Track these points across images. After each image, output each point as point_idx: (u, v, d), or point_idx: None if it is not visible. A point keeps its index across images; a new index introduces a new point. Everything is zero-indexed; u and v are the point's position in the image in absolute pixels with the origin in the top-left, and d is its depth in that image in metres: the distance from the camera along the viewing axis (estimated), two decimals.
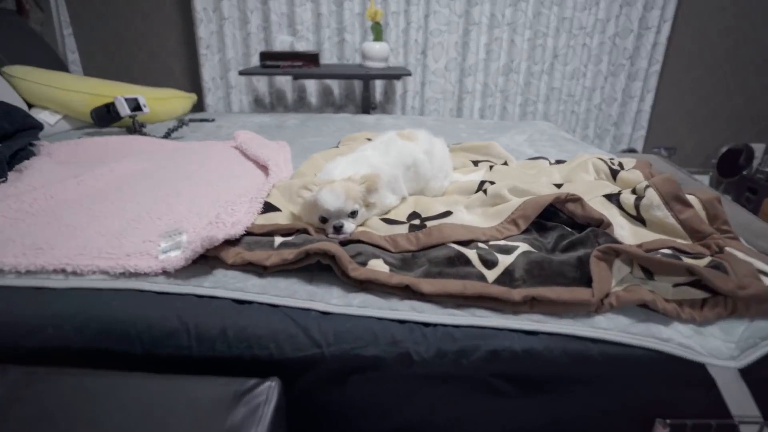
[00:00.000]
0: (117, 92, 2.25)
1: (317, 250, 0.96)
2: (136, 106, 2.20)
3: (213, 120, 2.54)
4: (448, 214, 1.18)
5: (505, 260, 0.99)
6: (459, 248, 1.04)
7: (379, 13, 2.73)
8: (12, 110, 1.80)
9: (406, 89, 3.21)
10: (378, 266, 0.98)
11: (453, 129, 2.43)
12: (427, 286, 0.92)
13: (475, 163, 1.65)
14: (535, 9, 2.99)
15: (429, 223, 1.13)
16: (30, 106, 2.25)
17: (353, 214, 1.11)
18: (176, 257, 1.00)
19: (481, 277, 0.96)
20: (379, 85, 3.22)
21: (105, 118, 2.20)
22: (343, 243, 1.08)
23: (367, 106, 2.90)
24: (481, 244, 1.07)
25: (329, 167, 1.23)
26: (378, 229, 1.14)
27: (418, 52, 3.12)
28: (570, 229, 1.14)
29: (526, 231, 1.14)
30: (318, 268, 1.01)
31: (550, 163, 1.66)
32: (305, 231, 1.11)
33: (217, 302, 0.93)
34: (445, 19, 3.02)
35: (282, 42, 2.87)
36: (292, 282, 0.98)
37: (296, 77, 2.88)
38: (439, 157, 1.39)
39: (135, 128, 2.23)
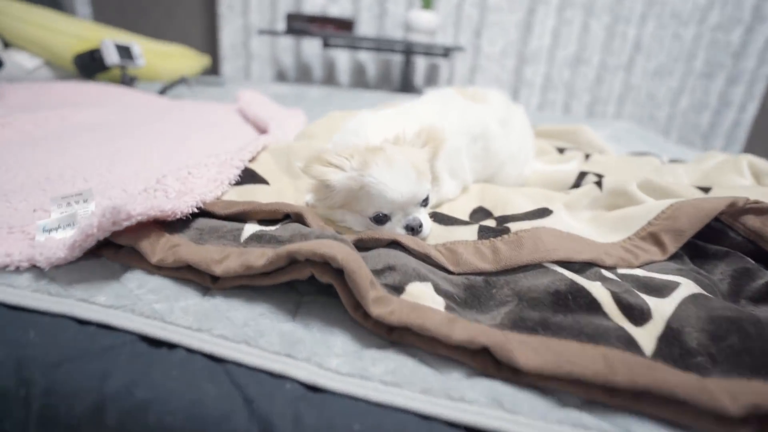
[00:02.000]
0: (110, 38, 1.85)
1: (309, 253, 0.50)
2: (127, 55, 1.80)
3: (219, 84, 2.12)
4: (544, 213, 0.69)
5: (660, 308, 0.52)
6: (571, 276, 0.56)
7: None
8: None
9: (453, 74, 2.74)
10: (424, 296, 0.52)
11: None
12: (528, 352, 0.45)
13: (561, 150, 1.17)
14: None
15: (514, 226, 0.65)
16: (6, 45, 1.88)
17: (425, 200, 0.67)
18: (60, 242, 0.55)
19: (628, 342, 0.48)
20: (421, 66, 2.76)
21: (89, 66, 1.81)
22: (359, 245, 0.62)
23: (406, 86, 2.44)
24: (605, 272, 0.59)
25: (353, 126, 0.77)
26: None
27: (471, 32, 2.65)
28: (751, 260, 0.65)
29: (674, 256, 0.66)
30: (311, 288, 0.55)
31: (662, 162, 1.16)
32: (299, 217, 0.65)
33: (111, 337, 0.48)
34: None
35: (313, 4, 2.45)
36: (258, 312, 0.52)
37: (326, 44, 2.44)
38: (519, 132, 0.91)
39: (124, 81, 1.83)
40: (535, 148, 1.01)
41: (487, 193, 0.82)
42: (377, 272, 0.56)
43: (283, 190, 0.78)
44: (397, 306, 0.49)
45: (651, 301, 0.54)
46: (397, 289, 0.54)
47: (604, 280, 0.58)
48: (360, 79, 2.83)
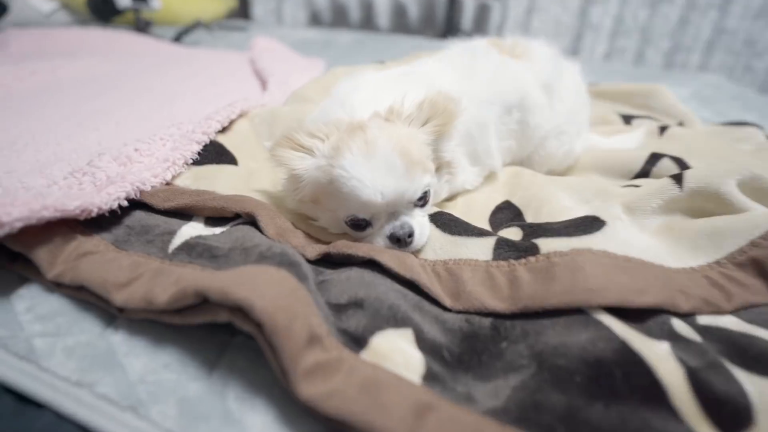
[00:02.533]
0: None
1: (220, 294, 0.34)
2: None
3: (243, 29, 1.94)
4: (593, 226, 0.49)
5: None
6: (623, 333, 0.37)
7: None
8: None
9: (505, 16, 2.39)
10: (394, 356, 0.37)
11: None
12: None
13: (626, 119, 0.92)
14: None
15: (547, 243, 0.46)
16: None
17: (423, 198, 0.49)
18: None
19: None
20: (469, 7, 2.43)
21: (101, 10, 1.68)
22: (327, 260, 0.47)
23: (451, 30, 2.15)
24: (678, 324, 0.40)
25: (342, 91, 0.58)
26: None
27: None
28: None
29: None
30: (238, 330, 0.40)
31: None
32: (252, 218, 0.49)
33: None
34: None
35: None
36: (164, 360, 0.38)
37: None
38: (570, 100, 0.69)
39: (139, 26, 1.70)
40: (589, 118, 0.77)
41: (520, 182, 0.62)
42: (339, 308, 0.40)
43: (256, 172, 0.62)
44: (343, 382, 0.33)
45: (752, 385, 0.35)
46: (358, 341, 0.38)
47: (675, 339, 0.39)
48: (400, 22, 2.54)
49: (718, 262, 0.47)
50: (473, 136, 0.59)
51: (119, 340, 0.39)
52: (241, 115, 0.71)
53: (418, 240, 0.48)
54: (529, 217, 0.56)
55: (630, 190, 0.59)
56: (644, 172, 0.67)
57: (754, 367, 0.37)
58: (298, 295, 0.36)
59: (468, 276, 0.45)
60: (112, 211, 0.49)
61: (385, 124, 0.48)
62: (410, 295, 0.43)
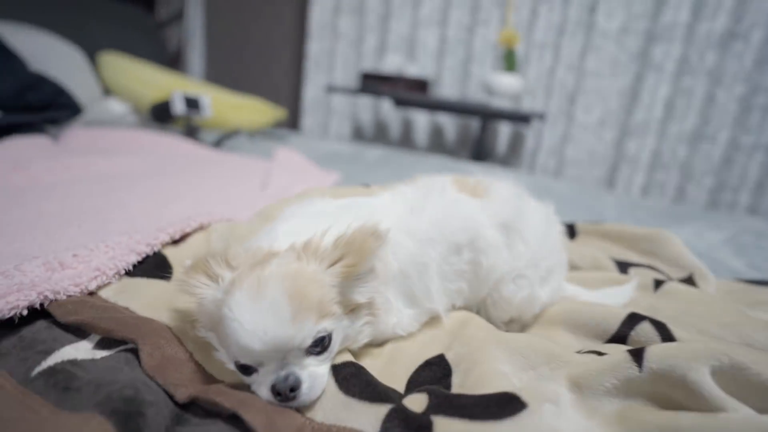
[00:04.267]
0: (197, 92, 1.94)
1: None
2: (194, 106, 1.86)
3: (282, 138, 2.10)
4: (510, 407, 0.40)
5: None
6: None
7: (514, 39, 2.07)
8: (43, 83, 1.54)
9: (540, 143, 2.44)
10: None
11: (594, 203, 1.60)
12: None
13: (623, 267, 0.83)
14: (763, 52, 2.01)
15: (446, 425, 0.38)
16: (107, 93, 2.07)
17: (320, 344, 0.44)
18: None
19: None
20: (504, 132, 2.51)
21: (161, 115, 1.90)
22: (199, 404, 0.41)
23: (481, 154, 2.21)
24: None
25: (278, 222, 0.57)
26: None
27: (564, 98, 2.35)
28: None
29: None
30: None
31: None
32: (136, 345, 0.46)
33: None
34: (611, 58, 2.22)
35: (390, 64, 2.38)
36: None
37: (398, 102, 2.33)
38: (534, 242, 0.63)
39: (188, 132, 1.88)
40: (565, 261, 0.70)
41: (463, 334, 0.55)
42: None
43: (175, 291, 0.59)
44: None
45: None
46: None
47: None
48: (437, 142, 2.66)
49: None
50: (409, 276, 0.54)
51: None
52: (201, 228, 0.72)
53: (305, 395, 0.42)
54: (457, 379, 0.48)
55: (588, 359, 0.50)
56: (620, 336, 0.57)
57: None
58: None
59: None
60: (10, 319, 0.48)
61: (289, 262, 0.45)
62: None
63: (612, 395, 0.45)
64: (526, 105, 2.38)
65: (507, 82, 2.06)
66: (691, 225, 1.41)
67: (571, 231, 0.99)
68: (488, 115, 2.10)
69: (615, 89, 2.25)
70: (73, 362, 0.43)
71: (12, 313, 0.47)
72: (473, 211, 0.59)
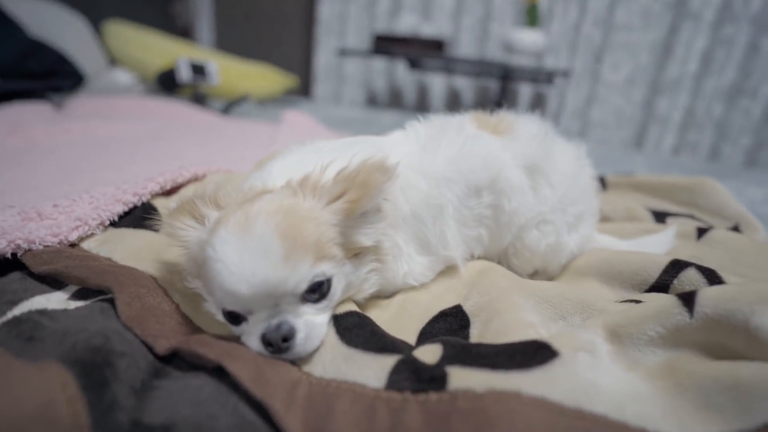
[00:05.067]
0: (204, 59, 1.88)
1: None
2: (201, 74, 1.80)
3: (294, 104, 2.03)
4: (539, 356, 0.34)
5: None
6: None
7: None
8: (44, 50, 1.50)
9: (563, 105, 2.31)
10: None
11: (623, 162, 1.50)
12: None
13: (660, 217, 0.75)
14: None
15: (462, 376, 0.32)
16: (113, 62, 2.03)
17: (317, 290, 0.38)
18: None
19: None
20: (525, 94, 2.39)
21: (167, 83, 1.85)
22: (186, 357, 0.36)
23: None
24: None
25: (275, 159, 0.51)
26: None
27: (590, 55, 2.21)
28: None
29: None
30: None
31: None
32: (112, 293, 0.41)
33: None
34: (643, 9, 2.06)
35: (405, 24, 2.26)
36: None
37: (413, 65, 2.23)
38: (563, 185, 0.56)
39: (196, 98, 1.83)
40: (597, 209, 0.63)
41: (482, 282, 0.49)
42: (148, 430, 0.29)
43: (164, 242, 0.54)
44: None
45: None
46: None
47: None
48: (454, 106, 2.54)
49: None
50: (422, 219, 0.48)
51: None
52: (196, 179, 0.66)
53: (300, 346, 0.37)
54: (475, 330, 0.42)
55: (626, 307, 0.43)
56: (661, 285, 0.50)
57: None
58: (55, 414, 0.26)
59: (344, 408, 0.32)
60: None
61: (282, 197, 0.39)
62: (257, 425, 0.31)
63: (656, 345, 0.38)
64: (549, 63, 2.25)
65: (529, 38, 1.93)
66: (730, 182, 1.30)
67: (601, 183, 0.90)
68: (508, 75, 1.98)
69: (646, 43, 2.09)
70: (42, 312, 0.38)
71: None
72: (495, 150, 0.52)
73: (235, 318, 0.39)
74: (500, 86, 2.09)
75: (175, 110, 1.56)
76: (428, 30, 2.25)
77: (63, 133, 1.11)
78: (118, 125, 1.24)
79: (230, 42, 2.96)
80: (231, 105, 1.80)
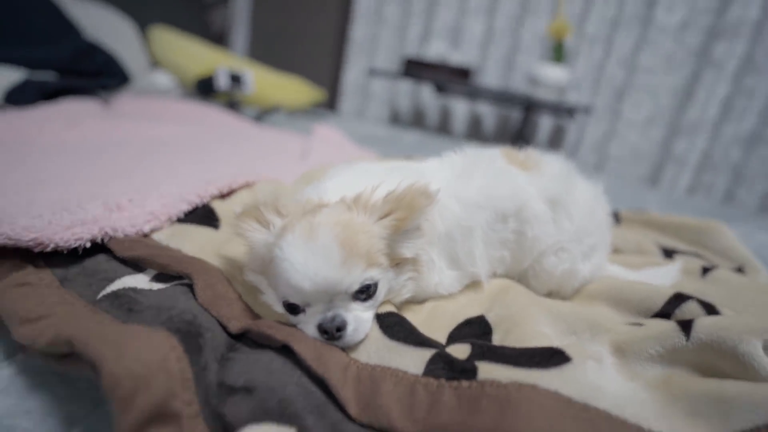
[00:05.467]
0: (241, 69, 1.99)
1: (83, 349, 0.32)
2: (237, 82, 1.90)
3: (322, 116, 2.12)
4: (553, 359, 0.41)
5: None
6: None
7: (565, 30, 2.01)
8: (96, 51, 1.61)
9: (582, 138, 2.38)
10: None
11: (639, 198, 1.56)
12: None
13: (668, 253, 0.81)
14: None
15: (489, 369, 0.39)
16: (155, 65, 2.15)
17: (366, 291, 0.45)
18: None
19: None
20: (545, 125, 2.46)
21: (204, 89, 1.95)
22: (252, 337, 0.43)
23: (518, 144, 2.16)
24: None
25: (330, 173, 0.58)
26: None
27: (612, 94, 2.28)
28: None
29: None
30: None
31: None
32: (190, 279, 0.48)
33: None
34: (667, 54, 2.13)
35: (434, 51, 2.36)
36: (28, 407, 0.36)
37: (439, 90, 2.32)
38: (581, 217, 0.62)
39: (230, 105, 1.93)
40: (610, 245, 0.69)
41: (504, 298, 0.55)
42: (230, 391, 0.36)
43: (233, 240, 0.62)
44: None
45: None
46: (227, 430, 0.33)
47: None
48: (476, 131, 2.63)
49: None
50: (454, 239, 0.55)
51: (4, 375, 0.38)
52: (246, 185, 0.74)
53: (350, 336, 0.43)
54: (497, 338, 0.48)
55: (631, 328, 0.49)
56: (664, 313, 0.56)
57: None
58: (169, 366, 0.33)
59: (388, 388, 0.38)
60: (75, 250, 0.51)
61: (340, 211, 0.46)
62: (316, 394, 0.38)
63: (655, 362, 0.44)
64: (572, 98, 2.33)
65: (553, 73, 2.01)
66: (741, 226, 1.34)
67: (615, 218, 0.96)
68: (531, 106, 2.06)
69: (668, 86, 2.16)
70: (134, 290, 0.46)
71: (77, 243, 0.50)
72: (522, 182, 0.59)
73: (293, 309, 0.45)
74: (522, 117, 2.16)
75: (213, 115, 1.65)
76: (456, 57, 2.35)
77: (114, 130, 1.20)
78: (163, 127, 1.33)
79: (263, 52, 3.09)
80: (264, 114, 1.89)
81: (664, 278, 0.66)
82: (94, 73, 1.60)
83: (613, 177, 2.22)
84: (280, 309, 0.48)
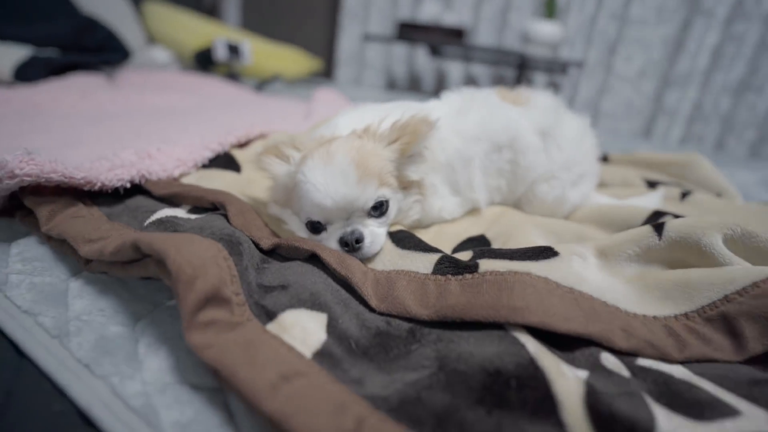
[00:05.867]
0: (224, 37, 2.01)
1: (147, 246, 0.39)
2: (236, 53, 1.92)
3: (319, 84, 2.15)
4: (543, 254, 0.47)
5: None
6: (534, 352, 0.36)
7: None
8: (96, 26, 1.63)
9: (575, 94, 2.41)
10: (294, 330, 0.39)
11: (630, 148, 1.61)
12: None
13: (652, 185, 0.88)
14: None
15: (488, 264, 0.45)
16: (150, 40, 2.16)
17: (379, 209, 0.52)
18: None
19: None
20: (540, 83, 2.48)
21: (203, 61, 1.98)
22: (279, 252, 0.50)
23: None
24: (611, 360, 0.37)
25: (337, 117, 0.64)
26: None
27: (604, 48, 2.30)
28: None
29: (755, 362, 0.40)
30: None
31: None
32: (223, 208, 0.54)
33: None
34: (657, 5, 2.14)
35: (427, 13, 2.36)
36: (101, 305, 0.43)
37: (434, 52, 2.33)
38: (569, 148, 0.68)
39: (230, 76, 1.96)
40: (598, 172, 0.75)
41: (501, 219, 0.62)
42: (267, 289, 0.43)
43: (254, 182, 0.68)
44: (228, 338, 0.34)
45: (668, 421, 0.31)
46: (270, 314, 0.39)
47: (596, 370, 0.36)
48: None
49: (686, 315, 0.43)
50: (455, 168, 0.61)
51: (75, 286, 0.44)
52: (261, 136, 0.80)
53: (368, 247, 0.50)
54: (493, 243, 0.55)
55: (611, 236, 0.56)
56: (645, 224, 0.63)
57: (680, 409, 0.33)
58: (219, 262, 0.39)
59: (402, 284, 0.45)
60: (116, 191, 0.57)
61: (353, 140, 0.52)
62: (342, 291, 0.45)
63: (633, 261, 0.51)
64: (564, 54, 2.35)
65: (546, 29, 2.03)
66: (728, 167, 1.41)
67: (604, 159, 1.02)
68: (525, 64, 2.08)
69: (659, 38, 2.18)
70: (175, 217, 0.52)
71: (119, 183, 0.57)
72: (515, 116, 0.65)
73: (316, 228, 0.52)
74: (516, 75, 2.19)
75: (215, 85, 1.69)
76: (449, 18, 2.35)
77: (124, 99, 1.24)
78: (169, 96, 1.37)
79: (256, 22, 3.07)
80: (264, 83, 1.92)
81: (647, 203, 0.73)
82: (96, 49, 1.63)
83: (606, 132, 2.27)
84: (303, 233, 0.55)
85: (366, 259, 0.50)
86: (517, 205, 0.69)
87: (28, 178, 0.48)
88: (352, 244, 0.49)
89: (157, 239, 0.38)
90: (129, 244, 0.40)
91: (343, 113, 0.63)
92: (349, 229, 0.50)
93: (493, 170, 0.64)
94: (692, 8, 2.10)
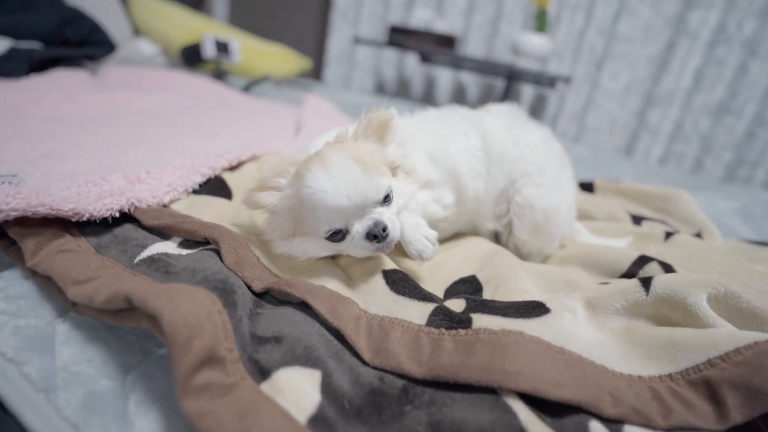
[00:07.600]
0: (213, 33, 1.96)
1: (140, 302, 0.38)
2: (224, 51, 1.88)
3: (307, 87, 2.13)
4: (535, 311, 0.48)
5: None
6: (525, 422, 0.36)
7: None
8: (80, 19, 1.57)
9: (561, 107, 2.44)
10: (289, 392, 0.38)
11: (612, 167, 1.64)
12: None
13: (637, 220, 0.90)
14: None
15: (482, 319, 0.46)
16: (136, 33, 2.10)
17: (387, 198, 0.54)
18: None
19: None
20: (527, 94, 2.51)
21: (191, 58, 1.93)
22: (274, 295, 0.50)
23: None
24: (596, 426, 0.38)
25: (311, 143, 0.65)
26: (361, 289, 0.52)
27: (591, 63, 2.33)
28: None
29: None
30: None
31: None
32: (216, 244, 0.54)
33: None
34: (644, 24, 2.18)
35: (419, 18, 2.36)
36: (89, 354, 0.41)
37: (424, 59, 2.33)
38: (536, 147, 0.73)
39: (217, 74, 1.92)
40: (574, 198, 0.77)
41: (493, 260, 0.62)
42: (261, 341, 0.42)
43: (245, 209, 0.67)
44: (224, 406, 0.34)
45: None
46: (264, 372, 0.39)
47: None
48: (460, 99, 2.66)
49: (670, 376, 0.45)
50: (426, 142, 0.65)
51: (63, 330, 0.43)
52: (253, 158, 0.78)
53: (393, 233, 0.51)
54: (487, 294, 0.56)
55: (600, 286, 0.57)
56: (630, 274, 0.64)
57: None
58: (213, 318, 0.39)
59: (396, 335, 0.45)
60: (104, 220, 0.55)
61: (336, 145, 0.54)
62: (334, 342, 0.44)
63: (620, 314, 0.52)
64: (552, 68, 2.37)
65: (536, 42, 2.05)
66: (705, 194, 1.45)
67: (590, 187, 1.04)
68: (514, 76, 2.10)
69: (644, 56, 2.22)
70: (166, 254, 0.51)
71: (108, 213, 0.55)
72: (473, 112, 0.72)
73: (338, 236, 0.52)
74: (505, 86, 2.21)
75: (201, 85, 1.65)
76: (440, 25, 2.35)
77: (110, 102, 1.21)
78: (155, 97, 1.33)
79: (244, 18, 3.02)
80: (252, 84, 1.89)
81: (626, 245, 0.75)
82: (80, 42, 1.57)
83: (590, 146, 2.31)
84: (324, 251, 0.55)
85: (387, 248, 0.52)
86: (505, 230, 0.71)
87: (15, 213, 0.47)
88: (380, 235, 0.50)
89: (150, 295, 0.38)
90: (122, 296, 0.39)
91: (313, 141, 0.64)
92: (371, 223, 0.51)
93: (468, 154, 0.68)
94: (677, 29, 2.15)
